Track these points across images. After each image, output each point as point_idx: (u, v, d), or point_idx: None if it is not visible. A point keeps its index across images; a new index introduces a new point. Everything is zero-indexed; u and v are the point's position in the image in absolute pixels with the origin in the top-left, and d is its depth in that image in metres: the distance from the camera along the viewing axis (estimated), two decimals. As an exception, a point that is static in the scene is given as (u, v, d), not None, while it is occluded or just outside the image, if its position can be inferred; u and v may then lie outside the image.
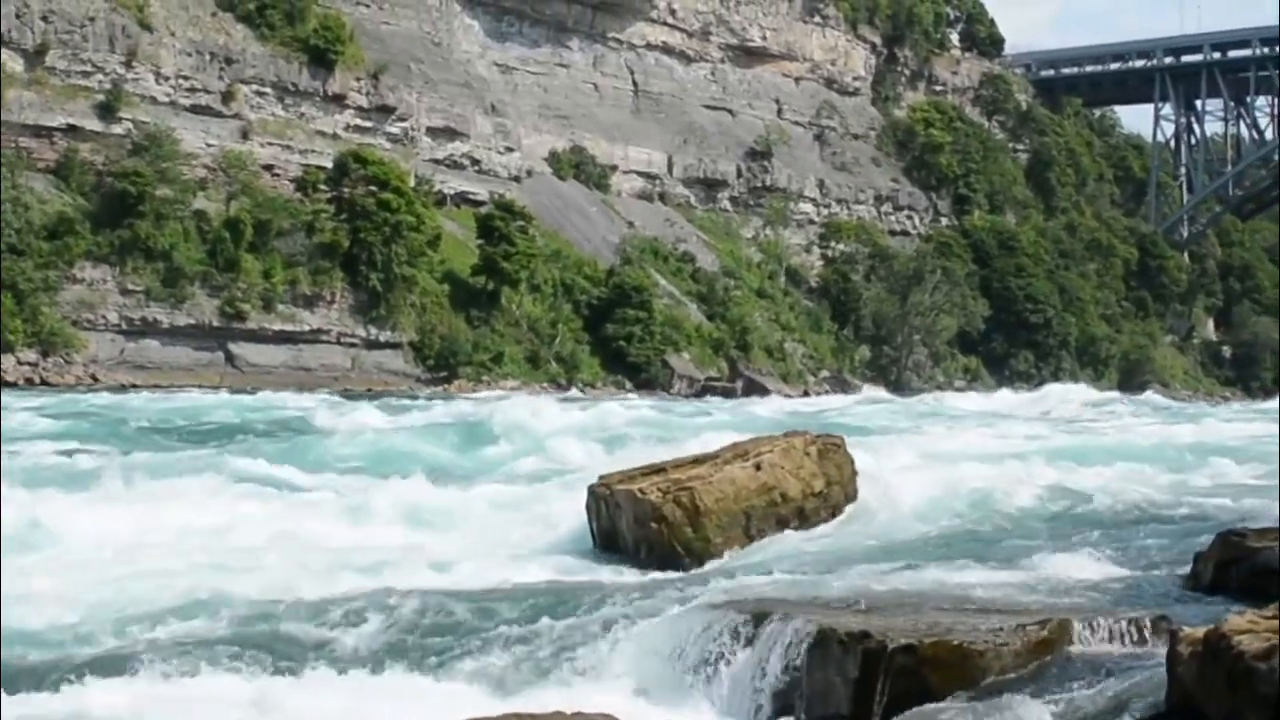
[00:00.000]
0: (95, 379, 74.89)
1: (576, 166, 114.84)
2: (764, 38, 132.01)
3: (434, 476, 25.72)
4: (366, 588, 15.75)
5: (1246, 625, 9.85)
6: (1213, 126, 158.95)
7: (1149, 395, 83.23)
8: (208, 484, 24.34)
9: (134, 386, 72.05)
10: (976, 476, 23.49)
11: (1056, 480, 23.64)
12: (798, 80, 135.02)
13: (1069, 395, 73.24)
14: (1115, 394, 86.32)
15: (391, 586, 15.74)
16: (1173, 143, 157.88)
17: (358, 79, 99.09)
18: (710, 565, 17.35)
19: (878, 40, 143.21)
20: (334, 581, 16.10)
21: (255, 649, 13.29)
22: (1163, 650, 10.57)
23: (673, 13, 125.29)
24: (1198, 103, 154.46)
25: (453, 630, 13.77)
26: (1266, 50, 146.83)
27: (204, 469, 26.61)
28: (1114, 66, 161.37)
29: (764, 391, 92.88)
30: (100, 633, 13.86)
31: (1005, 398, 77.74)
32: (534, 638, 13.42)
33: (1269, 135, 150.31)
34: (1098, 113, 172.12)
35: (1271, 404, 79.95)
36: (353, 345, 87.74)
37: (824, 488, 19.81)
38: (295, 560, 17.52)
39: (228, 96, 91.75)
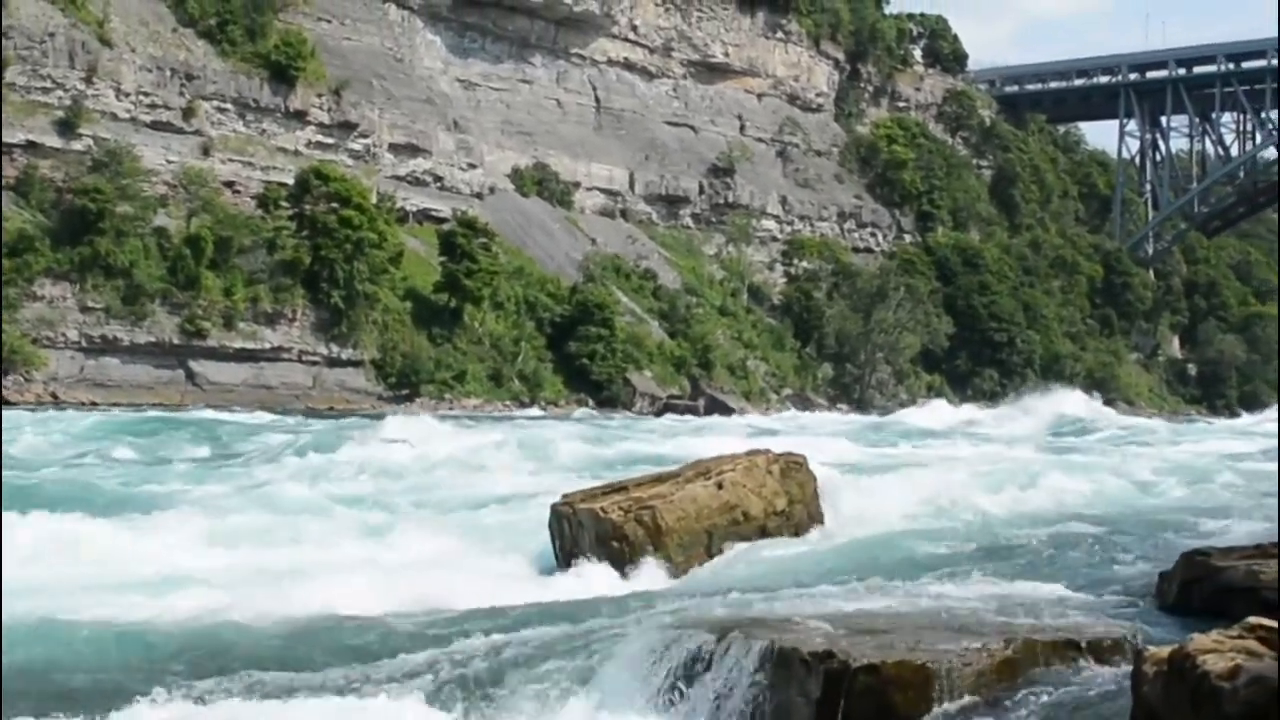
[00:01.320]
0: (55, 397, 74.34)
1: (539, 183, 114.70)
2: (726, 54, 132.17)
3: (389, 498, 25.63)
4: (322, 608, 15.63)
5: (1211, 645, 9.81)
6: (1178, 143, 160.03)
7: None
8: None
9: (94, 405, 71.52)
10: (940, 495, 23.47)
11: (1021, 499, 23.65)
12: (760, 96, 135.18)
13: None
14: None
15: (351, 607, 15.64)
16: (1138, 159, 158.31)
17: (319, 95, 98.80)
18: (672, 584, 17.25)
19: (840, 56, 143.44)
20: (285, 601, 15.97)
21: (214, 670, 13.17)
22: (1128, 670, 10.52)
23: (635, 29, 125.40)
24: (1163, 119, 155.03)
25: (410, 650, 13.66)
26: (1232, 66, 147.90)
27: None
28: (1078, 82, 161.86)
29: (726, 410, 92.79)
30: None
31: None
32: (494, 658, 13.31)
33: (1234, 152, 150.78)
34: (1062, 129, 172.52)
35: (1237, 422, 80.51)
36: (314, 363, 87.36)
37: (786, 506, 19.78)
38: (242, 579, 17.36)
39: (188, 113, 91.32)
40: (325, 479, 29.88)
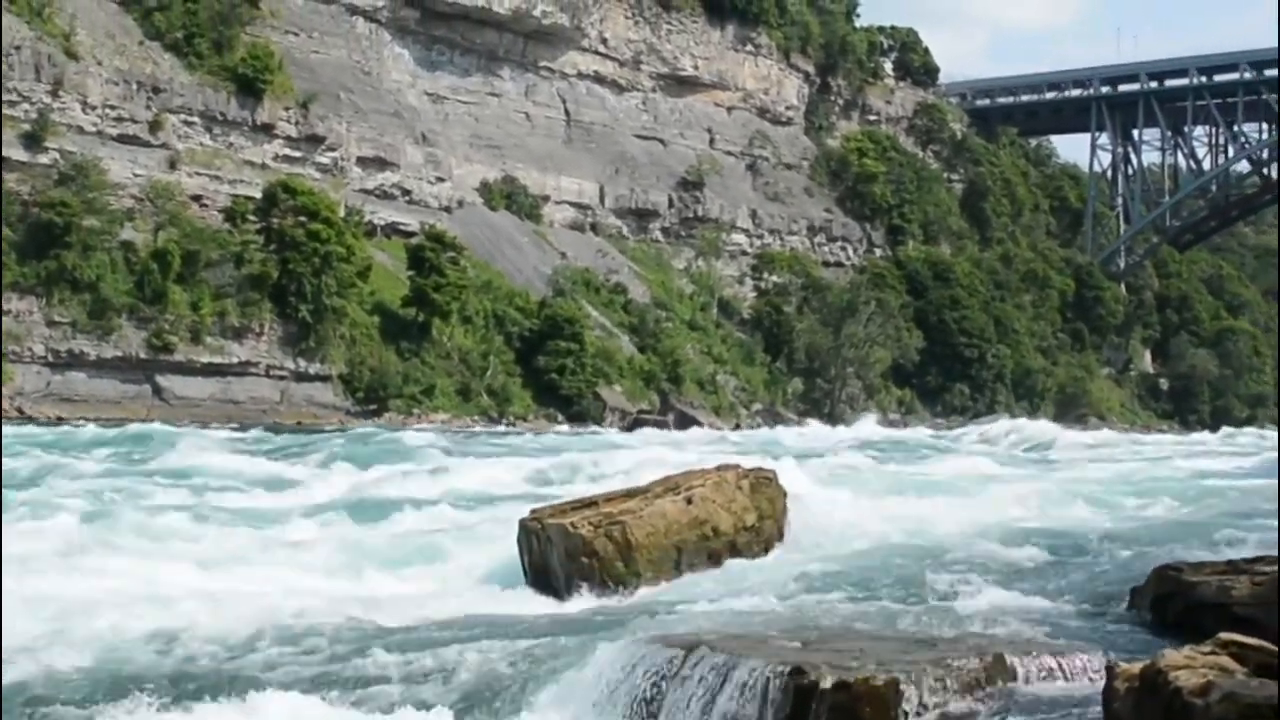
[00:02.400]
0: (21, 412, 73.90)
1: (508, 197, 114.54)
2: (695, 67, 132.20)
3: (363, 511, 25.49)
4: (290, 623, 15.53)
5: (1183, 660, 9.80)
6: (1150, 156, 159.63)
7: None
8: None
9: (60, 420, 71.16)
10: (911, 509, 23.46)
11: (992, 513, 23.63)
12: (730, 110, 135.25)
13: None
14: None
15: (318, 622, 15.54)
16: (1110, 173, 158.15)
17: (287, 108, 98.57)
18: (642, 599, 17.20)
19: (811, 69, 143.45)
20: (256, 616, 15.85)
21: (183, 684, 13.15)
22: (1099, 685, 10.47)
23: (604, 42, 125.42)
24: (1135, 132, 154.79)
25: (378, 666, 13.59)
26: (1204, 79, 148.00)
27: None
28: (1050, 95, 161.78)
29: (696, 424, 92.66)
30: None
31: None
32: (462, 673, 13.27)
33: (1206, 165, 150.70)
34: (1034, 142, 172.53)
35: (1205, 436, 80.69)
36: (282, 378, 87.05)
37: (756, 521, 19.74)
38: (209, 596, 17.21)
39: (155, 126, 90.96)
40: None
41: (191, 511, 25.80)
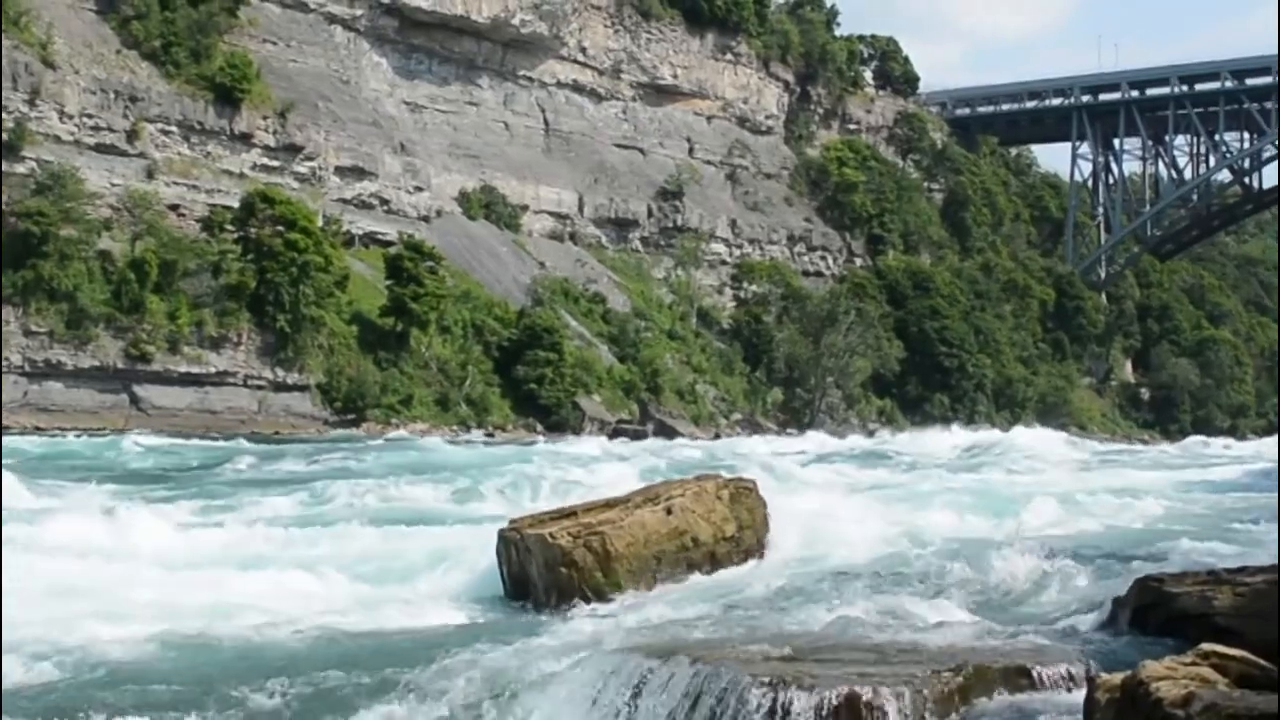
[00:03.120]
0: (-3, 422, 73.53)
1: (486, 206, 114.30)
2: (675, 76, 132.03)
3: (342, 521, 25.38)
4: (269, 632, 15.47)
5: (1164, 671, 9.78)
6: (1131, 166, 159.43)
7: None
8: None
9: (38, 429, 70.81)
10: (889, 520, 23.44)
11: (969, 523, 23.61)
12: (709, 119, 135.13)
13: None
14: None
15: (299, 632, 15.48)
16: (1090, 182, 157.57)
17: (265, 117, 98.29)
18: (621, 610, 17.13)
19: (790, 78, 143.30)
20: (233, 622, 15.79)
21: (152, 692, 13.10)
22: (1080, 696, 10.44)
23: (583, 50, 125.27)
24: (1115, 141, 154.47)
25: (357, 677, 13.55)
26: (1185, 89, 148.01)
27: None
28: (1030, 105, 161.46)
29: (675, 434, 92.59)
30: None
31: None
32: (441, 685, 13.23)
33: (1188, 175, 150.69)
34: (1014, 151, 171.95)
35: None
36: (259, 388, 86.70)
37: (736, 531, 19.72)
38: (185, 602, 17.09)
39: (133, 135, 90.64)
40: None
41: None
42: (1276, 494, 24.75)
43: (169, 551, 21.67)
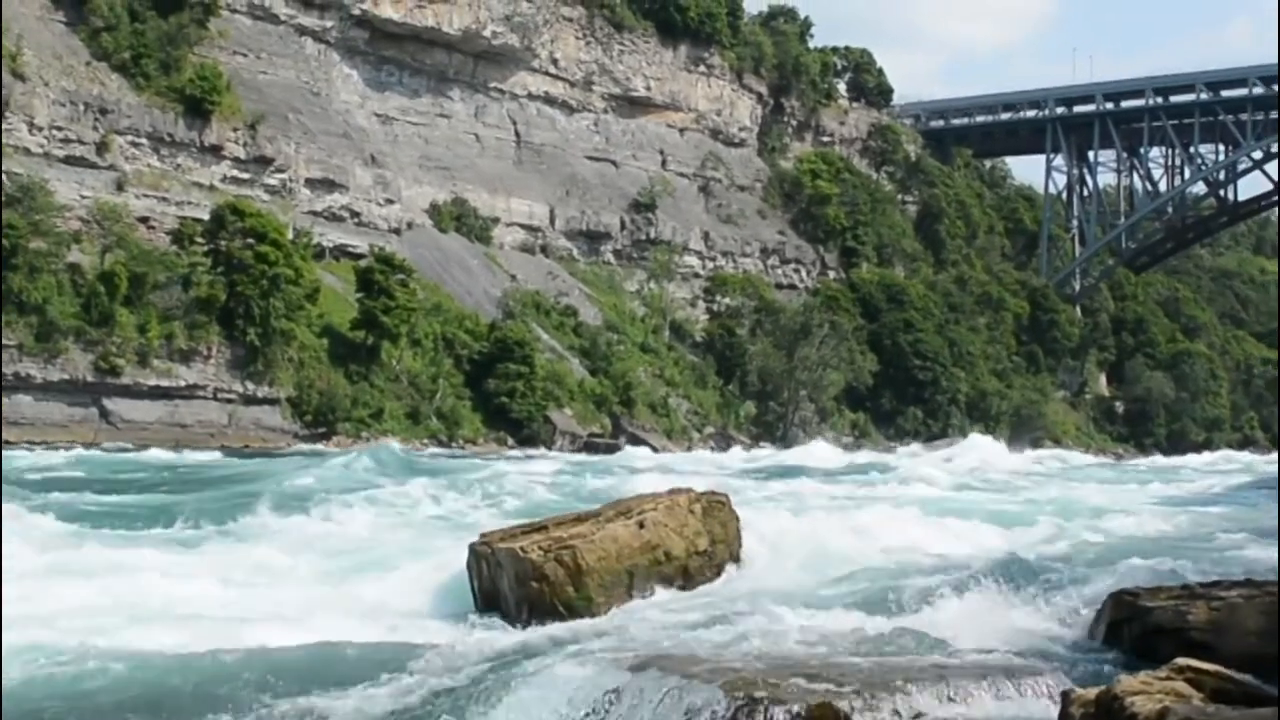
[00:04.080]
0: (-37, 435, 73.05)
1: (458, 218, 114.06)
2: (648, 87, 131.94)
3: (313, 536, 25.25)
4: (240, 646, 15.36)
5: (1139, 686, 9.75)
6: (1105, 178, 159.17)
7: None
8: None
9: (7, 443, 70.27)
10: (863, 534, 23.39)
11: (944, 538, 23.56)
12: (682, 131, 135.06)
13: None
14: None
15: (266, 646, 15.37)
16: (1065, 194, 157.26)
17: (235, 129, 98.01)
18: (592, 625, 17.09)
19: (764, 90, 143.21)
20: (202, 637, 15.65)
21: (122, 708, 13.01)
22: (1055, 711, 10.38)
23: (555, 62, 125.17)
24: (1090, 154, 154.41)
25: (328, 692, 13.43)
26: (1160, 100, 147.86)
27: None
28: (1005, 117, 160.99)
29: (648, 448, 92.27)
30: None
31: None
32: (410, 700, 13.13)
33: (1163, 187, 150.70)
34: (989, 164, 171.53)
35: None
36: (230, 401, 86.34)
37: (708, 546, 19.66)
38: (144, 615, 16.95)
39: (102, 147, 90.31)
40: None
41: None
42: (1276, 509, 24.80)
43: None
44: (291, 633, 16.29)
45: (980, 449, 73.61)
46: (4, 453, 51.62)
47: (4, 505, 24.61)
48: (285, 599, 19.08)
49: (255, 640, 15.79)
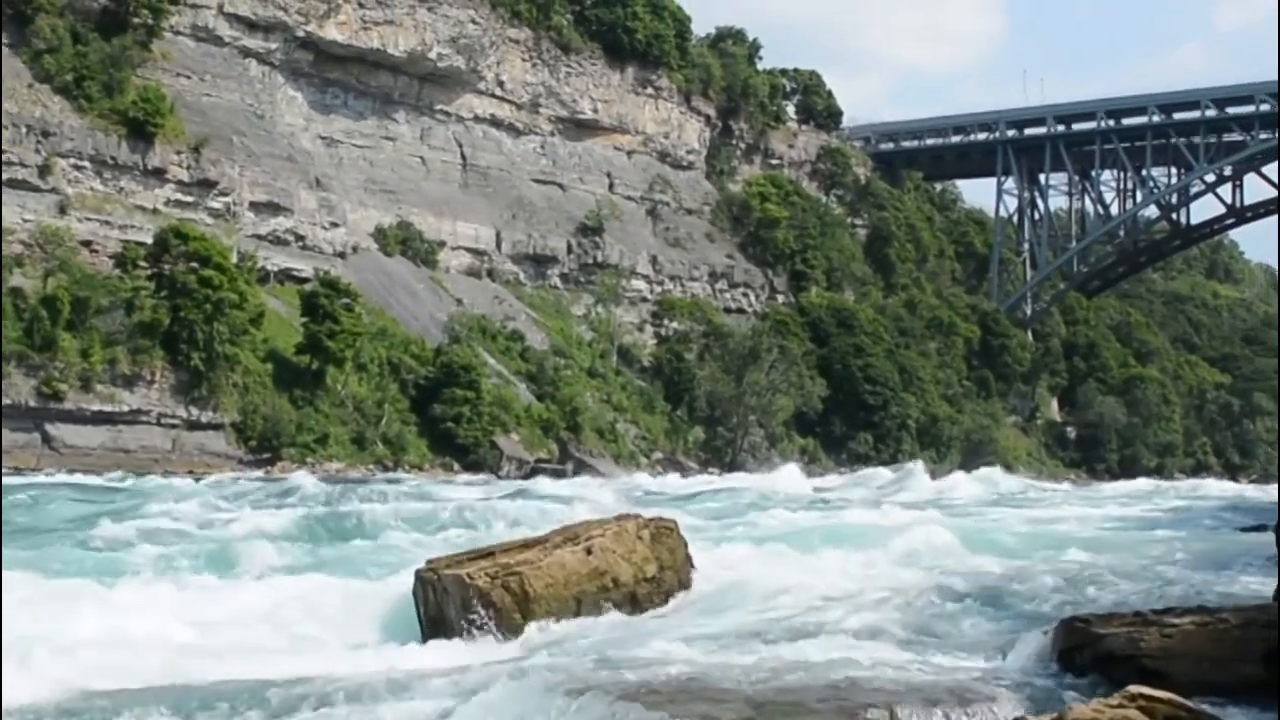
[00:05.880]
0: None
1: (403, 242, 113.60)
2: (595, 110, 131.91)
3: (253, 564, 24.92)
4: (179, 681, 15.11)
5: (1091, 714, 9.75)
6: (1057, 201, 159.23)
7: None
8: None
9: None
10: (813, 561, 23.31)
11: (894, 565, 23.51)
12: (630, 153, 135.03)
13: None
14: None
15: (205, 679, 15.13)
16: (1016, 218, 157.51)
17: (178, 152, 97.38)
18: (539, 651, 16.88)
19: (712, 113, 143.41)
20: (144, 674, 15.39)
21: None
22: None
23: (501, 84, 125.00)
24: (1041, 176, 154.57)
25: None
26: (1112, 123, 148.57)
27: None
28: (955, 139, 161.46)
29: (595, 473, 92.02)
30: None
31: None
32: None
33: (1114, 210, 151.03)
34: (939, 187, 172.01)
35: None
36: (173, 426, 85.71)
37: (657, 572, 19.59)
38: (91, 653, 16.63)
39: (45, 170, 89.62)
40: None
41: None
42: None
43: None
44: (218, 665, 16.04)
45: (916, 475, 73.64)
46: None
47: None
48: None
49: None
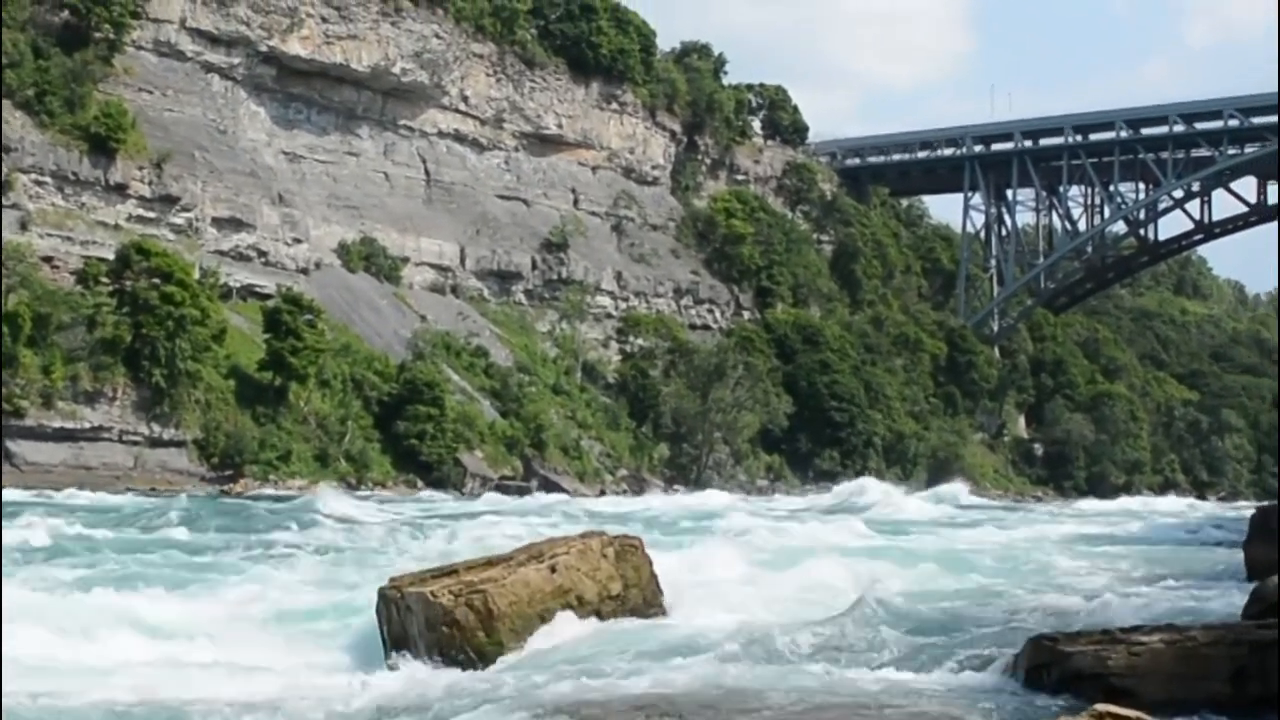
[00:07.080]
0: None
1: (367, 258, 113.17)
2: (559, 125, 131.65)
3: (212, 583, 24.74)
4: (144, 700, 14.94)
5: (1060, 733, 9.60)
6: (1024, 217, 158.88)
7: None
8: None
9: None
10: (780, 579, 23.23)
11: (862, 583, 23.41)
12: (594, 169, 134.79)
13: None
14: None
15: (168, 701, 14.97)
16: (983, 233, 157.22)
17: (140, 168, 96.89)
18: (504, 670, 16.83)
19: (677, 128, 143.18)
20: (96, 693, 15.20)
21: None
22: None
23: (465, 99, 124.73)
24: (1009, 192, 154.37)
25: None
26: (1079, 138, 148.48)
27: None
28: (922, 155, 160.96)
29: (559, 491, 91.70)
30: None
31: None
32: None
33: (1082, 226, 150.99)
34: (906, 202, 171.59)
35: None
36: (135, 443, 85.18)
37: (621, 590, 19.52)
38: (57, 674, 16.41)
39: (6, 186, 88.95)
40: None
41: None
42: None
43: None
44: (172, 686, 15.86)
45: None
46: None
47: None
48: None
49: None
